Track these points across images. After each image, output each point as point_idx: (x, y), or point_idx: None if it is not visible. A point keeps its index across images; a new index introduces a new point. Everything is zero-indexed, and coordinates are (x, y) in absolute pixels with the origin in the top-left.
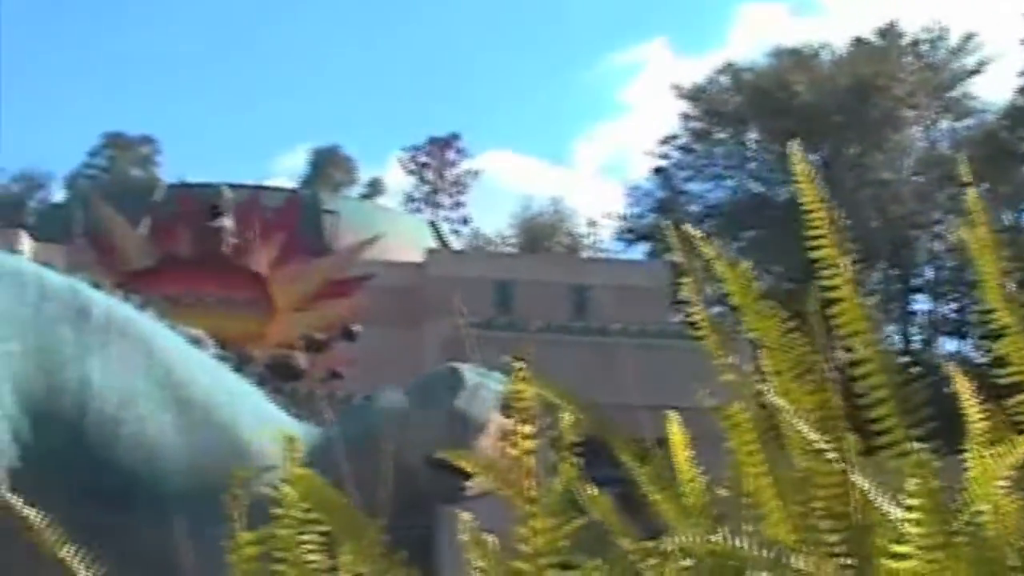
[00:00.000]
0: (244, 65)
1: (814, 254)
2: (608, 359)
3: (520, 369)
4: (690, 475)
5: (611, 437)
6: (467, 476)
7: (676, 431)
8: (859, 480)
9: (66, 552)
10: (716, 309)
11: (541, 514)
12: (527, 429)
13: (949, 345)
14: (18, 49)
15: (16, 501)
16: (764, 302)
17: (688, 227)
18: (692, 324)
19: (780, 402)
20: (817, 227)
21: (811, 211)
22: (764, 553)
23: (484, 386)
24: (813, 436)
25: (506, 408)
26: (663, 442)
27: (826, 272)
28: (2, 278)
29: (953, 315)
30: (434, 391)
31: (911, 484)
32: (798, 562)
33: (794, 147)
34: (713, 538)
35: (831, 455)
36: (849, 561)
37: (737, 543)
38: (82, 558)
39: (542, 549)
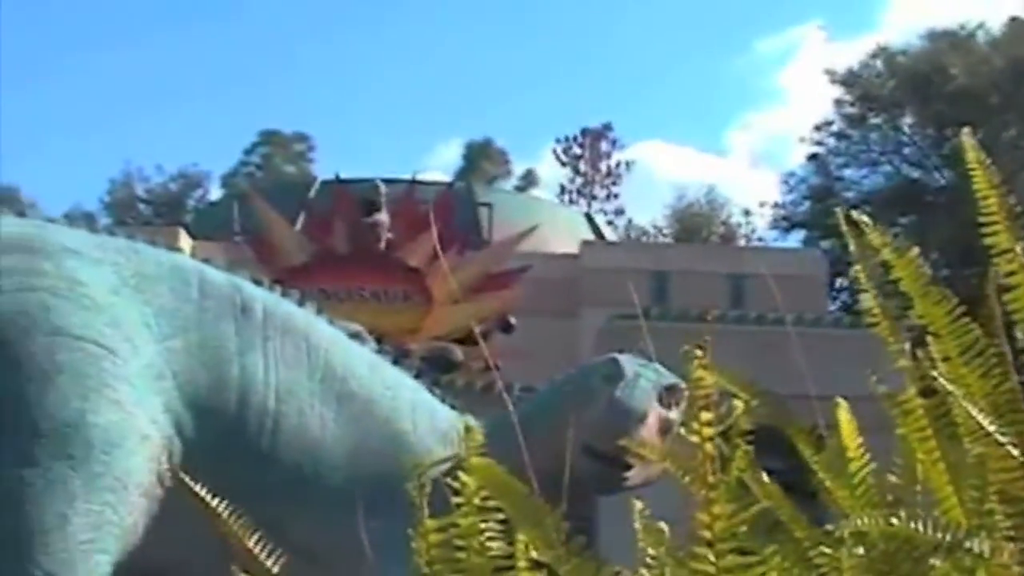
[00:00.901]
0: (397, 59)
1: (987, 240)
2: (766, 348)
3: (699, 356)
4: (861, 462)
5: (784, 425)
6: (627, 467)
7: (845, 418)
8: None
9: (252, 542)
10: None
11: (720, 500)
12: (707, 416)
13: None
14: (175, 49)
15: (202, 491)
16: (934, 288)
17: (854, 213)
18: (858, 312)
19: (951, 387)
20: (990, 213)
21: (984, 197)
22: (941, 536)
23: (643, 376)
24: (985, 421)
25: (665, 399)
26: (828, 430)
27: (1000, 259)
28: (164, 275)
29: None
30: (593, 381)
31: None
32: (976, 545)
33: (965, 134)
34: (891, 521)
35: (1005, 439)
36: None
37: (914, 526)
38: (265, 548)
39: (721, 535)
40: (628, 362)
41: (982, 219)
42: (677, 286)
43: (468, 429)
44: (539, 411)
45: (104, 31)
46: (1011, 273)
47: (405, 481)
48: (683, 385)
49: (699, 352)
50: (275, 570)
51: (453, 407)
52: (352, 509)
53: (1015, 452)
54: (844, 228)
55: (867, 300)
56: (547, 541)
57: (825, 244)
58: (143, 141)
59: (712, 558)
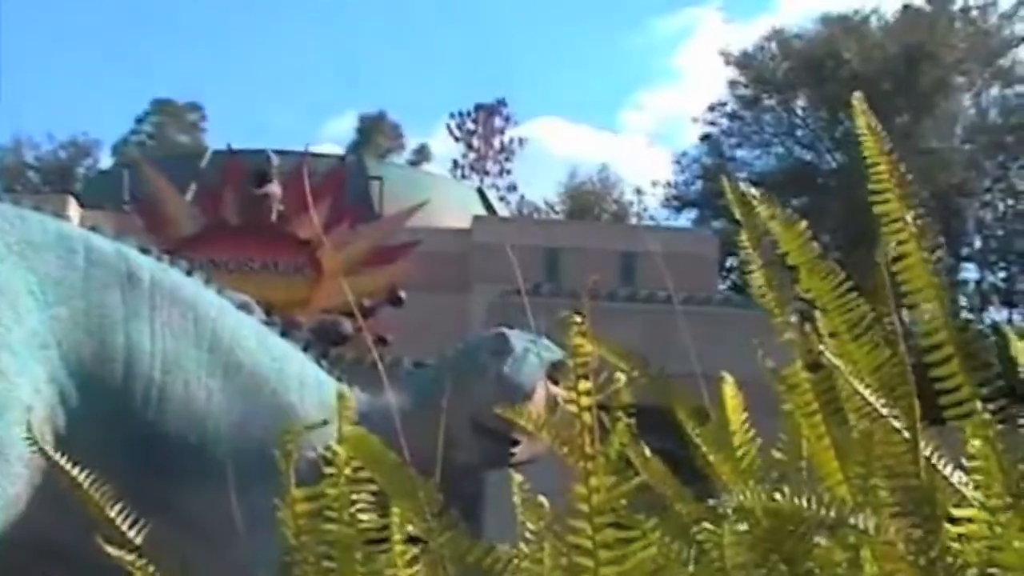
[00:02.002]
0: (292, 31)
1: (877, 209)
2: (656, 326)
3: (577, 324)
4: (745, 437)
5: (667, 399)
6: (514, 442)
7: (730, 393)
8: (921, 442)
9: (113, 511)
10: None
11: (599, 472)
12: (585, 385)
13: (998, 315)
14: (64, 16)
15: (62, 460)
16: (821, 261)
17: (744, 185)
18: (746, 284)
19: (837, 362)
20: (880, 180)
21: (874, 164)
22: (825, 512)
23: (532, 352)
24: (871, 398)
25: (553, 375)
26: (707, 411)
27: (890, 227)
28: (49, 242)
29: (1002, 284)
30: (481, 356)
31: (973, 444)
32: (861, 522)
33: (856, 97)
34: (774, 496)
35: (892, 417)
36: (912, 521)
37: (798, 502)
38: (127, 518)
39: (599, 508)
40: (516, 337)
41: (872, 187)
42: (568, 263)
43: (341, 396)
44: (426, 385)
45: None
46: (901, 243)
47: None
48: None
49: (577, 319)
50: (138, 540)
51: (341, 380)
52: (237, 480)
53: (900, 426)
54: (730, 196)
55: (752, 271)
56: (420, 513)
57: (716, 224)
58: (33, 108)
59: (590, 532)
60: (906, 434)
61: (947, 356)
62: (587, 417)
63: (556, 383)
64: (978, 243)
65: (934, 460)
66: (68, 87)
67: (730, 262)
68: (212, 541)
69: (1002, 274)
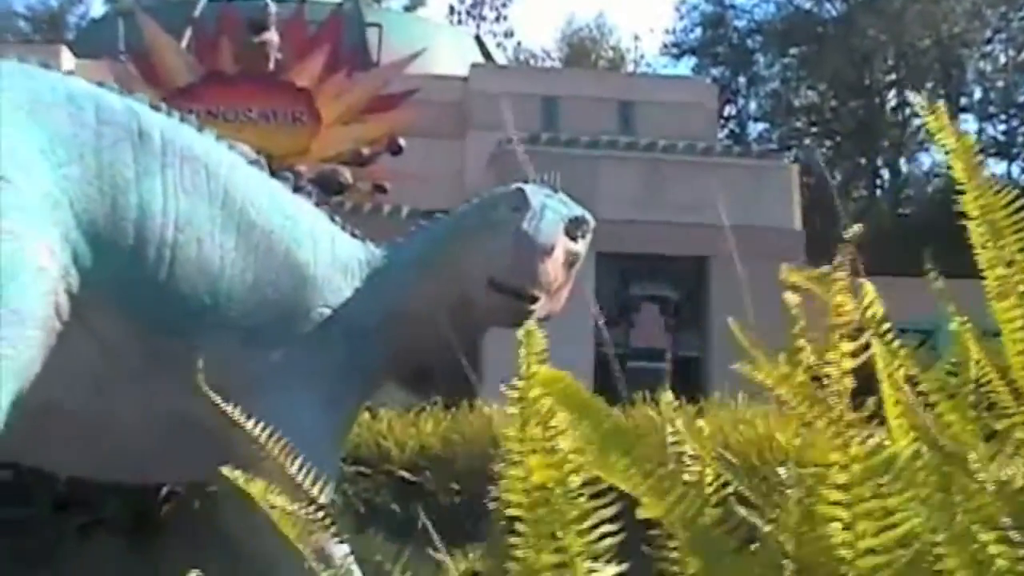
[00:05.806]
0: None
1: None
2: (654, 175)
3: (838, 279)
4: None
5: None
6: (533, 299)
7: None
8: None
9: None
10: (761, 125)
11: (855, 443)
12: (846, 346)
13: (996, 167)
14: None
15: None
16: (991, 179)
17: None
18: (747, 141)
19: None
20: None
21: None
22: None
23: (550, 207)
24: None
25: (571, 231)
26: (703, 260)
27: (991, 274)
28: (59, 100)
29: (1002, 137)
30: (499, 212)
31: None
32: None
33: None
34: None
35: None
36: None
37: None
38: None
39: (858, 479)
40: (534, 193)
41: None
42: (566, 111)
43: (530, 334)
44: (442, 241)
45: None
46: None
47: (305, 313)
48: (589, 217)
49: (839, 275)
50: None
51: (355, 235)
52: (249, 341)
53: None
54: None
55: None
56: (636, 467)
57: (715, 72)
58: None
59: (847, 501)
60: None
61: None
62: (846, 382)
63: (574, 239)
64: (978, 94)
65: None
66: None
67: (728, 110)
68: (225, 399)
69: (1002, 126)
